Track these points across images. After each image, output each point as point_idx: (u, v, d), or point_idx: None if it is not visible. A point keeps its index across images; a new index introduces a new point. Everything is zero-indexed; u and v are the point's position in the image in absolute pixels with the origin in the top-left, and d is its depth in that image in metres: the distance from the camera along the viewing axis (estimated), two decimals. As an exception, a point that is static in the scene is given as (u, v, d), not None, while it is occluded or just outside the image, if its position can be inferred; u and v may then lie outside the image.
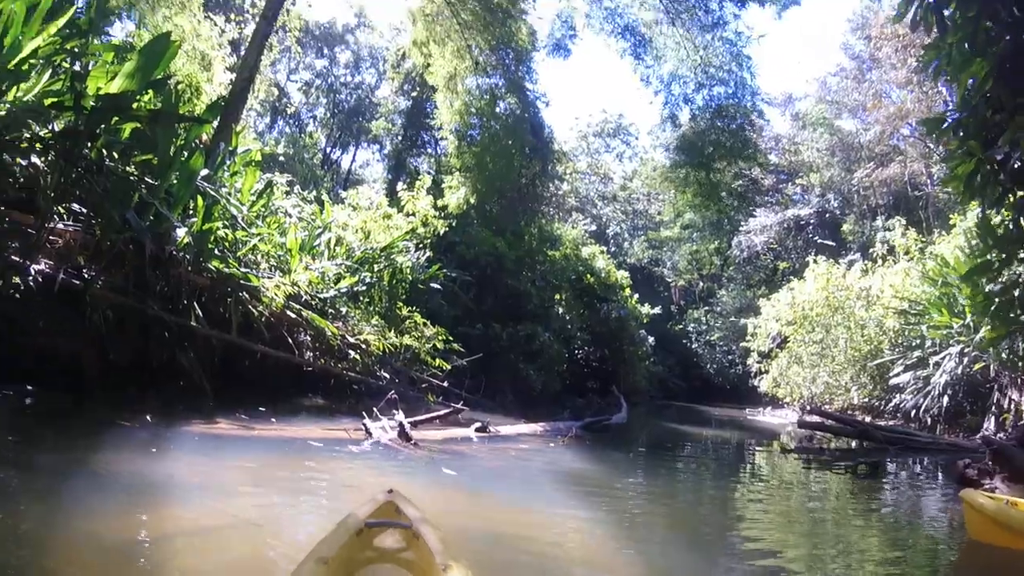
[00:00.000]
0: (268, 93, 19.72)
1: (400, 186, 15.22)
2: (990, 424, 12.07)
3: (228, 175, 9.14)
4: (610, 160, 50.65)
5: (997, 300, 6.34)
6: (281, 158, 23.15)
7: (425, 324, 11.83)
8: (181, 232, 7.40)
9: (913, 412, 13.74)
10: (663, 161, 45.29)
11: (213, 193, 7.90)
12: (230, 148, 9.61)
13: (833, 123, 34.76)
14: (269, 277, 8.41)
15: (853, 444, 12.29)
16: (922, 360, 14.06)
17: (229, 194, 8.54)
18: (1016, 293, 6.31)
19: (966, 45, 5.87)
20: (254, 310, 7.83)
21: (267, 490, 4.19)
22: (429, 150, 35.99)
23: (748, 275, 38.05)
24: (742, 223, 36.53)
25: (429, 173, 20.10)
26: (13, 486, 3.52)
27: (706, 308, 38.54)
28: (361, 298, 11.41)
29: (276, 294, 8.11)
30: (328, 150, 40.08)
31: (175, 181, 7.43)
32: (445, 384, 11.69)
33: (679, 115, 20.79)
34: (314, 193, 14.36)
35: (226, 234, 8.36)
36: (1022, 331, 6.17)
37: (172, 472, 4.17)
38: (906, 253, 18.22)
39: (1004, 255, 6.17)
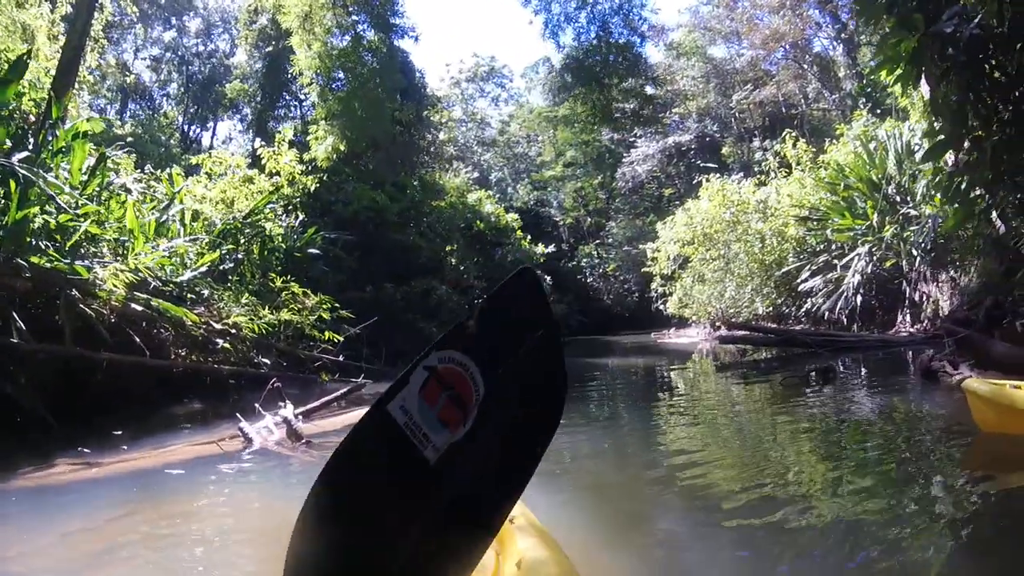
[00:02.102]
0: (99, 65, 17.05)
1: (259, 142, 13.44)
2: (905, 319, 12.19)
3: (53, 155, 7.41)
4: (485, 105, 49.58)
5: (958, 180, 5.83)
6: (130, 138, 20.48)
7: (305, 294, 10.33)
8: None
9: (826, 315, 13.77)
10: (540, 102, 44.90)
11: (27, 174, 6.26)
12: (52, 121, 7.75)
13: (707, 51, 35.17)
14: (104, 266, 6.79)
15: (766, 353, 12.13)
16: (828, 264, 14.10)
17: (56, 176, 6.88)
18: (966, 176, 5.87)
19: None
20: (88, 310, 6.27)
21: (114, 564, 2.90)
22: (293, 112, 33.92)
23: (635, 205, 38.79)
24: (624, 155, 36.64)
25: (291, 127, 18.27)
26: None
27: (597, 242, 38.63)
28: (230, 277, 9.89)
29: (115, 285, 6.54)
30: (186, 128, 36.73)
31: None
32: (341, 359, 10.39)
33: (561, 36, 19.98)
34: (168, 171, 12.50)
35: (47, 221, 6.73)
36: (985, 213, 5.69)
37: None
38: (798, 164, 18.28)
39: (955, 134, 5.68)
